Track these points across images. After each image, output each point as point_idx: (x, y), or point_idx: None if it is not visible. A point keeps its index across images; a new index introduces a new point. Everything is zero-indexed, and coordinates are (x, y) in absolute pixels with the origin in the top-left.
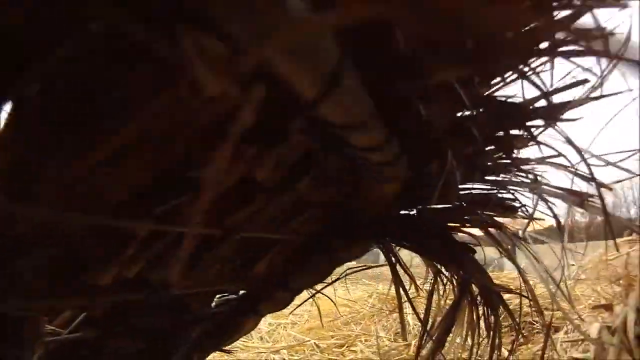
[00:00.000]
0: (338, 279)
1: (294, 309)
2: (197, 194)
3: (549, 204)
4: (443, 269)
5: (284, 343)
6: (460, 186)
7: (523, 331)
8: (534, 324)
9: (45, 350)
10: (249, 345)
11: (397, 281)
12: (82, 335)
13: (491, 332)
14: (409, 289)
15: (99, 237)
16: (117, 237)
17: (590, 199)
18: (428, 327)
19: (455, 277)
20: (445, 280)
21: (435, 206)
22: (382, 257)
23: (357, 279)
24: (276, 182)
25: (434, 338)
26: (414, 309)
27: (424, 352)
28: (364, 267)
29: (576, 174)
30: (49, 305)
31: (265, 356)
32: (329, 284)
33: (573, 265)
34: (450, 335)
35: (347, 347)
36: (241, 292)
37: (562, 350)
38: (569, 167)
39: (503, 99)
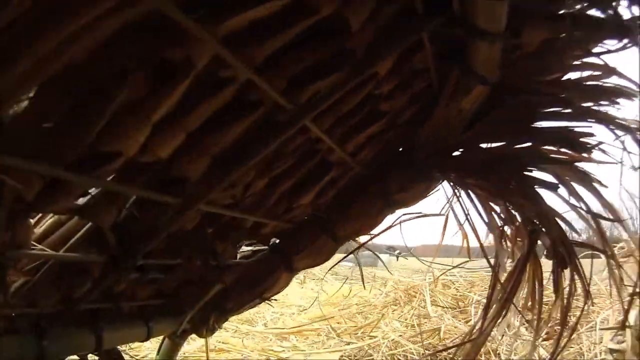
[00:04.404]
0: (358, 248)
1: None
2: None
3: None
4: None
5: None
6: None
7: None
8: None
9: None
10: (256, 329)
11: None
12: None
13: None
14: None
15: None
16: None
17: None
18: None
19: (524, 227)
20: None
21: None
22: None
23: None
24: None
25: (500, 297)
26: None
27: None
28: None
29: None
30: None
31: (272, 342)
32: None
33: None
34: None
35: (365, 332)
36: (272, 241)
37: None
38: None
39: None
